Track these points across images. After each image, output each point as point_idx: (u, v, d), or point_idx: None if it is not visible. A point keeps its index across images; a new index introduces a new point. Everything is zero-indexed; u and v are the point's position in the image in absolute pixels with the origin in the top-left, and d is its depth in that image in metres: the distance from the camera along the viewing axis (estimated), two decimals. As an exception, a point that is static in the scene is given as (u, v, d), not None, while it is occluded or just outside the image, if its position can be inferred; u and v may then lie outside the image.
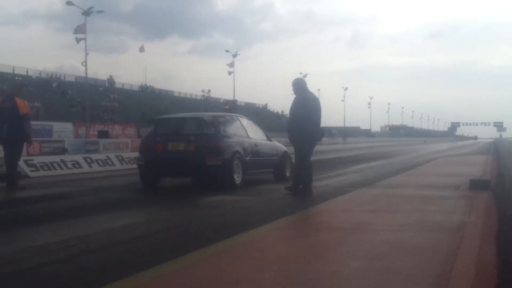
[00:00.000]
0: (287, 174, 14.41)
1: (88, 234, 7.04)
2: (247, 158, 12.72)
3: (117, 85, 75.35)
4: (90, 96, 51.18)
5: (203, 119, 12.70)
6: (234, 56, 72.88)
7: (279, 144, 15.47)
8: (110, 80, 74.95)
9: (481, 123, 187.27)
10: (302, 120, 10.67)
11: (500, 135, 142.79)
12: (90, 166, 19.09)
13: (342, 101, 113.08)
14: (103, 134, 37.30)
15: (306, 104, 10.80)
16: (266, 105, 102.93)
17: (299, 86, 11.04)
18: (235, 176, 12.19)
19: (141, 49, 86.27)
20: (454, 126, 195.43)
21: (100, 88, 69.61)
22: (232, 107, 28.98)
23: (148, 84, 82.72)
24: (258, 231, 7.00)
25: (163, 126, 13.20)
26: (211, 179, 12.09)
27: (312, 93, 11.14)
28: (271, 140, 14.86)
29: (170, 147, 12.19)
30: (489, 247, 5.73)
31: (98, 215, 8.91)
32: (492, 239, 6.14)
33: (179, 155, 12.02)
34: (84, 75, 50.03)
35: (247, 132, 13.61)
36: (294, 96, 11.06)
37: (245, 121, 14.22)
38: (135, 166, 14.32)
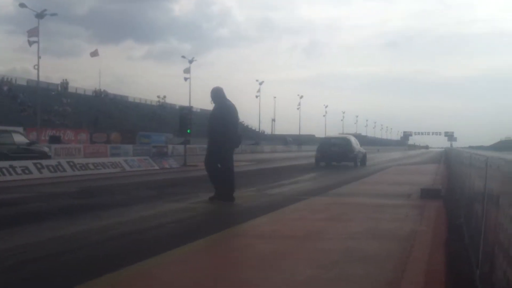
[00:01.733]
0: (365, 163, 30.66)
1: (40, 241, 6.86)
2: (358, 154, 29.32)
3: (70, 90, 74.03)
4: (42, 100, 50.05)
5: (345, 138, 30.64)
6: (190, 62, 72.61)
7: (363, 149, 31.73)
8: (63, 84, 73.63)
9: (433, 133, 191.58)
10: (222, 127, 10.97)
11: (451, 144, 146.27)
12: (40, 172, 18.65)
13: (298, 109, 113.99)
14: (55, 139, 36.61)
15: (225, 112, 11.14)
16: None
17: (218, 94, 11.37)
18: (358, 161, 28.87)
19: (94, 54, 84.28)
20: (407, 135, 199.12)
21: (53, 92, 68.19)
22: (187, 113, 28.70)
23: (102, 89, 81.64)
24: (211, 239, 6.96)
25: (326, 141, 30.95)
26: (352, 162, 28.49)
27: (230, 101, 11.45)
28: (360, 146, 30.98)
29: (333, 148, 28.38)
30: (439, 256, 5.82)
31: (49, 222, 8.69)
32: (442, 248, 6.25)
33: (337, 152, 28.11)
34: (36, 78, 48.94)
35: (356, 142, 30.04)
36: (221, 103, 11.29)
37: (353, 138, 31.28)
38: (87, 172, 14.07)
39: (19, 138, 22.54)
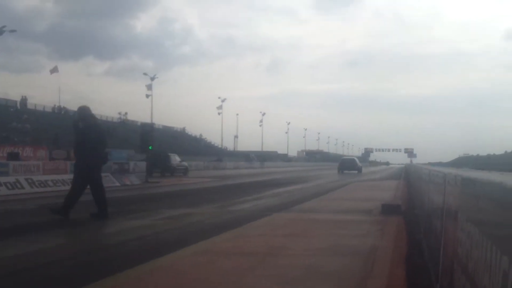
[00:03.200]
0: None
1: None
2: (359, 166, 56.56)
3: (30, 106, 72.68)
4: (0, 117, 49.05)
5: (353, 158, 64.46)
6: (152, 79, 72.18)
7: (360, 164, 59.95)
8: (23, 101, 72.28)
9: (393, 149, 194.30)
10: (91, 145, 11.31)
11: (411, 160, 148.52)
12: (-3, 190, 18.19)
13: (260, 125, 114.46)
14: (13, 156, 35.79)
15: (93, 130, 11.54)
16: (184, 128, 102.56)
17: (85, 113, 11.67)
18: (359, 170, 55.15)
19: (54, 70, 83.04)
20: (368, 152, 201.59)
21: (11, 109, 66.91)
22: (149, 130, 28.59)
23: (62, 106, 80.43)
24: (174, 256, 6.90)
25: (344, 159, 63.37)
26: (356, 171, 53.95)
27: (97, 119, 11.99)
28: (360, 162, 60.14)
29: (347, 163, 56.61)
30: (399, 271, 5.89)
31: (4, 240, 8.48)
32: (402, 263, 6.32)
33: (349, 166, 55.28)
34: (-7, 95, 47.95)
35: (358, 160, 59.62)
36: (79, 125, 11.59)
37: (356, 158, 65.34)
38: (47, 189, 13.82)
39: (175, 158, 39.12)
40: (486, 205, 2.55)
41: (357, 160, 58.44)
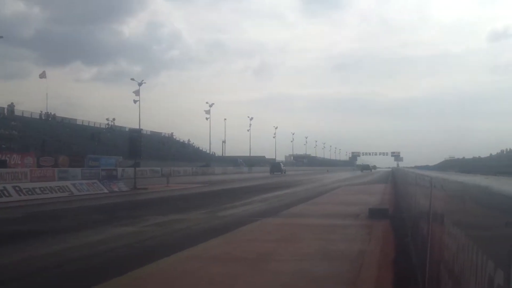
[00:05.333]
0: None
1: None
2: (372, 168, 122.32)
3: (17, 113, 72.19)
4: (-14, 124, 48.69)
5: (368, 164, 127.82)
6: (140, 84, 71.97)
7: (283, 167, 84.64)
8: (10, 108, 71.82)
9: (380, 153, 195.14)
10: None
11: (397, 164, 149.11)
12: (-16, 198, 18.06)
13: (248, 130, 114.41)
14: (1, 164, 35.57)
15: None
16: (172, 134, 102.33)
17: None
18: (372, 171, 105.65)
19: (42, 75, 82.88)
20: (355, 155, 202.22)
21: (-2, 116, 66.48)
22: (137, 136, 28.57)
23: (50, 112, 80.00)
24: (163, 263, 6.89)
25: (362, 164, 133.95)
26: (370, 170, 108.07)
27: None
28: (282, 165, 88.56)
29: (364, 167, 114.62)
30: (387, 275, 5.93)
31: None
32: (390, 267, 6.37)
33: (365, 168, 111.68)
34: (-20, 102, 47.62)
35: (371, 165, 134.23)
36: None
37: (282, 163, 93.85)
38: (34, 197, 13.74)
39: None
40: (472, 209, 2.58)
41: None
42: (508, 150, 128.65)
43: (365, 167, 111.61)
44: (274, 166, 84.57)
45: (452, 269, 3.06)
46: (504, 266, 1.74)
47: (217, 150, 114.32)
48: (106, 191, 24.63)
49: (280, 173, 73.44)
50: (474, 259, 2.33)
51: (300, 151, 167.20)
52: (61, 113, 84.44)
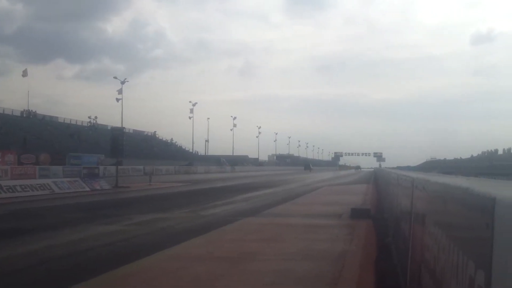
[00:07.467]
0: None
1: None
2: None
3: (-3, 110, 71.60)
4: (-34, 121, 48.12)
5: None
6: (123, 83, 71.57)
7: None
8: (-10, 105, 71.06)
9: (362, 153, 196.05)
10: None
11: (380, 164, 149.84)
12: (-36, 195, 17.86)
13: (231, 130, 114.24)
14: (-20, 161, 35.18)
15: None
16: (155, 132, 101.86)
17: None
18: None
19: (24, 73, 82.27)
20: (338, 156, 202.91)
21: (-22, 113, 65.74)
22: (120, 134, 28.47)
23: (31, 109, 79.23)
24: (144, 262, 6.87)
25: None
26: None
27: None
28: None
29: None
30: (368, 275, 5.97)
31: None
32: (371, 267, 6.41)
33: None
34: (-40, 98, 47.04)
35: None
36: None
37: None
38: (15, 194, 13.61)
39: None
40: (453, 210, 2.61)
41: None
42: (489, 151, 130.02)
43: (343, 167, 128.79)
44: (306, 165, 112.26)
45: (433, 269, 3.08)
46: (485, 267, 1.76)
47: (200, 149, 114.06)
48: (87, 189, 24.48)
49: (309, 170, 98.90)
50: (455, 259, 2.35)
51: (283, 151, 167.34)
52: (43, 110, 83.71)
